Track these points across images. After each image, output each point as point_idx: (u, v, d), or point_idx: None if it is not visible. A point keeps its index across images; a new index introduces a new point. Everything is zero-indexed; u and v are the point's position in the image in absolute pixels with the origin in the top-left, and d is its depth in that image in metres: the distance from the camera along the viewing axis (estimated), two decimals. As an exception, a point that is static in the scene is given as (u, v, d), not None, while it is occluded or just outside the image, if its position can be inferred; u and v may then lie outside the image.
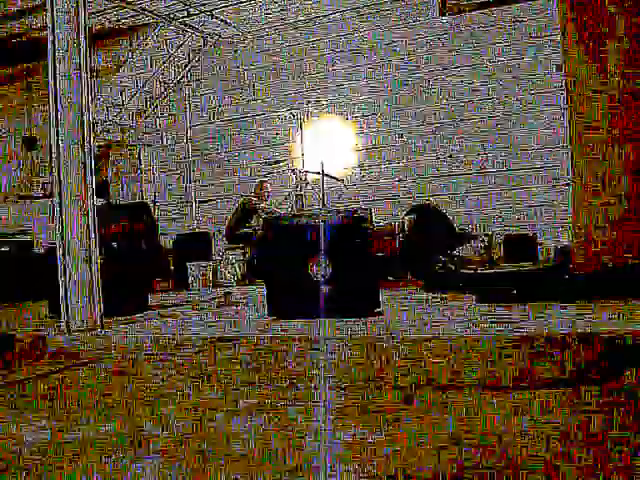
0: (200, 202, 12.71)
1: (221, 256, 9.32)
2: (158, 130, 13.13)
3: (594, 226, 4.86)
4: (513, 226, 10.13)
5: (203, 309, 5.69)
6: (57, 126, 4.35)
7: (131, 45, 11.93)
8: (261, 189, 9.80)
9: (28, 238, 9.27)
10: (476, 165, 10.67)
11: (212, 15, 11.37)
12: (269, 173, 10.50)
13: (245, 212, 9.63)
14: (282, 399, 2.74)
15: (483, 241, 8.77)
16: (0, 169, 13.04)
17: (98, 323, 4.37)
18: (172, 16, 11.37)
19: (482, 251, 8.45)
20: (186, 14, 11.33)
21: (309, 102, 11.81)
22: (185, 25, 11.77)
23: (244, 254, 9.25)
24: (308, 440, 2.16)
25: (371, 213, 4.73)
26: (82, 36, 4.41)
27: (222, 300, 6.04)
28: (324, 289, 4.19)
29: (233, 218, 9.81)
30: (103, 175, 12.18)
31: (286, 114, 11.94)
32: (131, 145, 13.06)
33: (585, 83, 4.92)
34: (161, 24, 11.57)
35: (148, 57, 12.11)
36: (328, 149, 10.81)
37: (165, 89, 12.91)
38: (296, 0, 11.07)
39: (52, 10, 4.37)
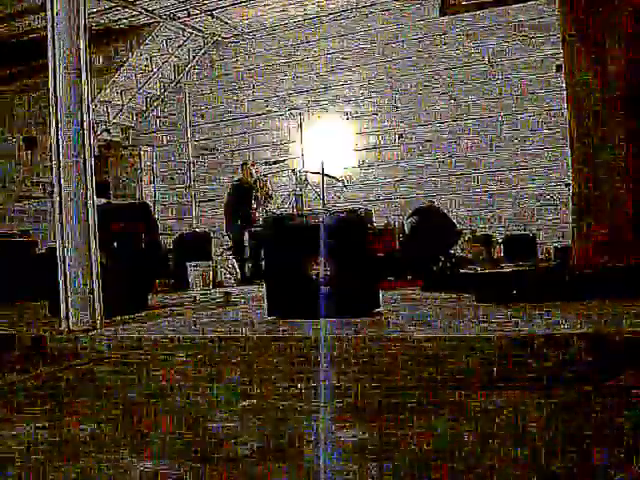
0: (200, 202, 12.72)
1: (221, 256, 9.32)
2: (158, 130, 13.14)
3: (594, 226, 4.86)
4: (513, 226, 10.14)
5: (203, 309, 5.69)
6: (57, 126, 4.35)
7: (131, 45, 11.93)
8: (247, 170, 9.83)
9: (28, 238, 9.27)
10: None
11: (212, 15, 11.37)
12: (269, 173, 10.51)
13: (240, 194, 9.64)
14: (282, 399, 2.74)
15: (469, 237, 8.79)
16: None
17: (98, 323, 4.37)
18: (172, 16, 11.37)
19: (465, 247, 8.47)
20: (186, 14, 11.33)
21: (309, 102, 11.81)
22: (185, 25, 11.77)
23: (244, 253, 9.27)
24: (307, 440, 2.17)
25: (371, 213, 4.73)
26: (82, 36, 4.41)
27: (222, 300, 6.05)
28: (324, 289, 4.18)
29: (230, 203, 9.81)
30: (103, 175, 12.18)
31: (286, 114, 11.94)
32: (131, 145, 13.07)
33: (585, 83, 4.92)
34: (161, 24, 11.58)
35: (148, 57, 12.11)
36: (328, 149, 10.81)
37: (165, 89, 12.91)
38: (296, 0, 11.07)
39: (52, 10, 4.37)
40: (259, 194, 9.62)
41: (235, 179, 10.48)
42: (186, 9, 11.17)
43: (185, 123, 12.94)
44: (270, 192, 9.89)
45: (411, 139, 11.18)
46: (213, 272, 8.76)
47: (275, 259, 4.57)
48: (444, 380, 2.90)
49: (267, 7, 11.23)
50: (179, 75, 12.83)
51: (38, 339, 4.31)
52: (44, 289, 5.35)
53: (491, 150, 10.61)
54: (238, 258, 9.20)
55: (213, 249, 9.72)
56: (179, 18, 11.48)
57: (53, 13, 4.36)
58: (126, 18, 11.43)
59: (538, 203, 10.24)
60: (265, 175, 10.36)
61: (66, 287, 4.32)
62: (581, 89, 4.97)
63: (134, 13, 11.20)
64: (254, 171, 9.94)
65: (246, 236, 9.32)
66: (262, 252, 7.85)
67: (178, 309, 5.71)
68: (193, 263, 8.70)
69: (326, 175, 8.78)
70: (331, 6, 11.36)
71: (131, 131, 13.16)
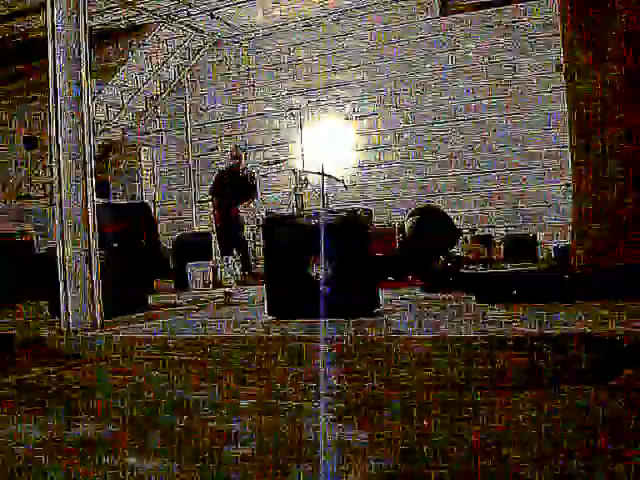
0: (200, 202, 12.71)
1: (221, 256, 9.31)
2: (158, 130, 13.14)
3: (594, 226, 4.86)
4: (513, 226, 10.15)
5: (203, 309, 5.68)
6: (57, 126, 4.35)
7: (131, 45, 11.93)
8: (236, 152, 9.63)
9: (28, 238, 9.26)
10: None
11: (212, 15, 11.37)
12: (269, 173, 10.50)
13: (225, 182, 9.48)
14: (282, 399, 2.74)
15: (466, 237, 8.79)
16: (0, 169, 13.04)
17: (98, 323, 4.37)
18: (172, 16, 11.37)
19: (465, 247, 8.45)
20: (186, 14, 11.33)
21: (309, 102, 11.81)
22: (185, 25, 11.77)
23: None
24: (307, 440, 2.16)
25: (371, 213, 4.73)
26: (82, 36, 4.41)
27: (222, 300, 6.05)
28: (324, 289, 4.18)
29: (215, 192, 9.64)
30: (103, 175, 12.17)
31: (286, 114, 11.93)
32: (131, 145, 13.06)
33: (585, 82, 4.91)
34: (161, 24, 11.57)
35: (148, 57, 12.11)
36: (328, 149, 10.80)
37: (165, 89, 12.91)
38: (296, 0, 11.07)
39: (52, 10, 4.37)
40: (252, 183, 9.40)
41: (223, 168, 10.21)
42: (186, 9, 11.17)
43: (185, 123, 12.94)
44: (255, 184, 9.62)
45: (411, 139, 11.18)
46: (213, 272, 8.75)
47: (275, 259, 4.57)
48: (444, 380, 2.90)
49: (267, 7, 11.22)
50: (179, 75, 12.83)
51: (38, 339, 4.31)
52: (44, 289, 5.35)
53: (491, 150, 10.60)
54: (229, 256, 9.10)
55: (213, 249, 9.71)
56: (179, 18, 11.48)
57: (53, 13, 4.36)
58: (126, 18, 11.43)
59: (538, 203, 10.23)
60: (265, 175, 10.34)
61: (66, 287, 4.32)
62: (581, 89, 4.97)
63: (134, 13, 11.20)
64: (243, 155, 9.70)
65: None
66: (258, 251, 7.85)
67: (178, 309, 5.71)
68: (193, 263, 8.70)
69: (326, 175, 8.76)
70: (331, 6, 11.36)
71: (131, 131, 13.16)
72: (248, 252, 9.26)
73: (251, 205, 9.47)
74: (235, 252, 9.21)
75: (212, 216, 9.78)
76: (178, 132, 12.99)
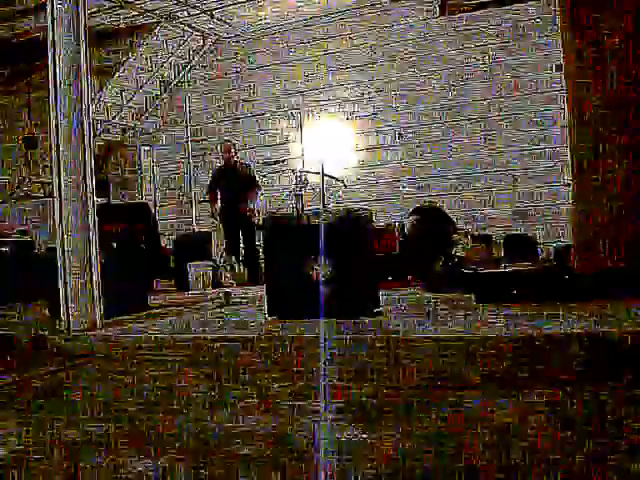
0: (200, 202, 12.70)
1: (221, 256, 9.31)
2: (158, 130, 13.13)
3: (594, 226, 4.86)
4: (513, 226, 10.15)
5: (203, 309, 5.68)
6: (57, 126, 4.35)
7: (131, 45, 11.93)
8: (227, 148, 9.54)
9: (28, 238, 9.27)
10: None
11: (212, 15, 11.37)
12: (269, 173, 10.49)
13: (222, 178, 9.42)
14: (282, 399, 2.74)
15: (461, 238, 8.77)
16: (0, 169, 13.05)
17: (98, 323, 4.37)
18: (172, 16, 11.37)
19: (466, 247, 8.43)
20: (186, 14, 11.33)
21: (309, 102, 11.80)
22: (185, 25, 11.77)
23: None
24: (307, 440, 2.16)
25: (371, 213, 4.73)
26: (82, 36, 4.41)
27: (222, 300, 6.05)
28: (324, 289, 4.18)
29: (212, 190, 9.60)
30: (103, 175, 12.17)
31: (286, 114, 11.93)
32: (131, 145, 13.07)
33: (585, 83, 4.91)
34: (161, 24, 11.57)
35: (148, 57, 12.11)
36: (328, 149, 10.80)
37: (165, 89, 12.91)
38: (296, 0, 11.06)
39: (52, 10, 4.37)
40: (250, 177, 9.31)
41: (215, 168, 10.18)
42: (186, 9, 11.17)
43: (185, 123, 12.93)
44: (254, 177, 9.41)
45: (411, 139, 11.17)
46: (213, 272, 8.75)
47: (275, 259, 4.57)
48: (443, 380, 2.90)
49: (267, 7, 11.22)
50: (179, 75, 12.83)
51: (38, 339, 4.31)
52: (44, 289, 5.35)
53: (491, 150, 10.60)
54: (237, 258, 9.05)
55: (213, 249, 9.70)
56: (179, 18, 11.47)
57: (53, 14, 4.36)
58: (126, 18, 11.42)
59: (538, 203, 10.23)
60: (265, 176, 10.33)
61: (66, 287, 4.32)
62: (581, 89, 4.97)
63: (134, 13, 11.19)
64: (233, 151, 9.61)
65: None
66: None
67: (178, 309, 5.71)
68: (193, 263, 8.69)
69: (326, 175, 8.76)
70: (331, 6, 11.35)
71: (131, 131, 13.15)
72: (257, 258, 9.03)
73: (252, 200, 9.36)
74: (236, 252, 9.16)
75: (211, 214, 9.77)
76: (178, 132, 12.98)
